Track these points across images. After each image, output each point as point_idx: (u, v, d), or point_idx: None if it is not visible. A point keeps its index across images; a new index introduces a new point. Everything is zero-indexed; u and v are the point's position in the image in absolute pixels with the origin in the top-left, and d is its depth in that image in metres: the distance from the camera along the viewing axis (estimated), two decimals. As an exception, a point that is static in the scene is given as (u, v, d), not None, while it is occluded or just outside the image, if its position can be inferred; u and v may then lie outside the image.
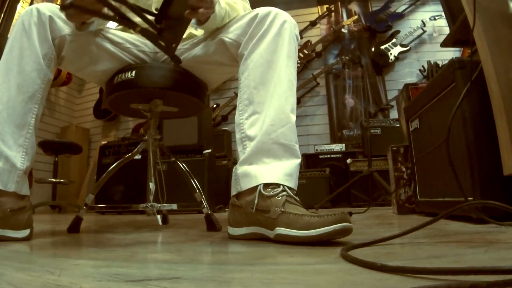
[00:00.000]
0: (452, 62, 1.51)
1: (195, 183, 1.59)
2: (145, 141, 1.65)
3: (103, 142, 4.66)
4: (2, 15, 4.45)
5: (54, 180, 4.38)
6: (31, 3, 4.77)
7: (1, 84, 1.20)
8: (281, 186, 1.08)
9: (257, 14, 1.27)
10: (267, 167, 1.13)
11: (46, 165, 4.89)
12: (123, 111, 1.76)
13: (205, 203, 1.50)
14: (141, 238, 1.26)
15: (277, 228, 1.00)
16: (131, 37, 1.52)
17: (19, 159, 1.17)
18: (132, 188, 3.70)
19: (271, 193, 1.07)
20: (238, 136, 1.22)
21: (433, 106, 1.77)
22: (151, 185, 1.57)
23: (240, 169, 1.17)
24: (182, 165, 1.63)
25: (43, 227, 1.81)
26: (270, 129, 1.15)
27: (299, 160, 1.18)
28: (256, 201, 1.08)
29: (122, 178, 3.52)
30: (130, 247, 1.02)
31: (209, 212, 1.46)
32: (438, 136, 1.66)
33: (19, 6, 4.64)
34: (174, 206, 1.61)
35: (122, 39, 1.48)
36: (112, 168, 1.61)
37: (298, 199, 1.08)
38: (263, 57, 1.22)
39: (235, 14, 1.40)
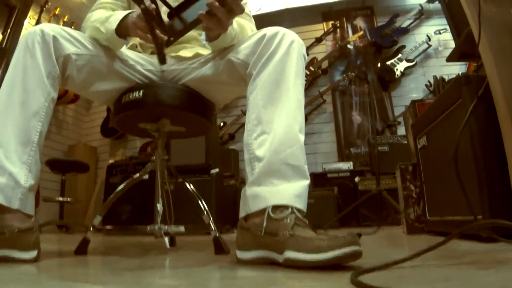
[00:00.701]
0: (458, 78, 1.50)
1: (202, 204, 1.58)
2: (152, 161, 1.64)
3: (111, 161, 4.67)
4: (9, 30, 4.52)
5: (61, 199, 4.38)
6: (38, 18, 4.84)
7: (5, 101, 1.21)
8: (290, 208, 1.07)
9: (265, 34, 1.28)
10: (276, 188, 1.12)
11: (54, 184, 4.89)
12: (131, 130, 1.76)
13: (213, 226, 1.49)
14: (148, 261, 1.25)
15: (286, 251, 0.98)
16: (137, 55, 1.54)
17: (23, 176, 1.16)
18: (139, 207, 3.69)
19: (280, 216, 1.06)
20: (246, 156, 1.21)
21: (440, 123, 1.77)
22: (159, 206, 1.57)
23: (249, 190, 1.16)
24: (190, 187, 1.63)
25: (51, 248, 1.81)
26: (279, 149, 1.14)
27: (308, 181, 1.17)
28: (264, 224, 1.06)
29: (129, 197, 3.51)
30: (138, 271, 1.02)
31: (217, 235, 1.45)
32: (446, 153, 1.65)
33: (26, 21, 4.71)
34: (182, 229, 1.59)
35: (128, 57, 1.49)
36: (120, 189, 1.61)
37: (307, 222, 1.07)
38: (272, 77, 1.22)
39: (244, 34, 1.42)
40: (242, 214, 1.18)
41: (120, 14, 1.37)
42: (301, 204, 1.11)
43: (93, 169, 5.54)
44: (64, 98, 5.11)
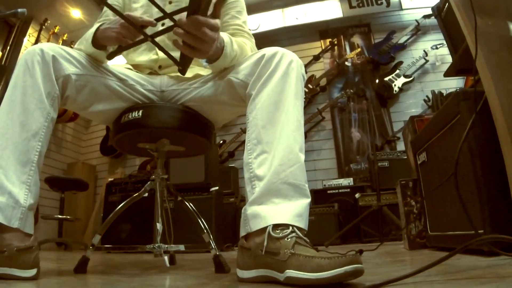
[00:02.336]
0: (456, 94, 1.51)
1: (202, 223, 1.57)
2: (152, 180, 1.64)
3: (110, 179, 4.66)
4: (8, 48, 4.55)
5: (60, 216, 4.36)
6: (37, 36, 4.88)
7: (4, 121, 1.21)
8: (291, 227, 1.06)
9: (264, 55, 1.28)
10: (277, 207, 1.11)
11: (53, 201, 4.87)
12: (130, 150, 1.76)
13: (213, 244, 1.49)
14: (148, 280, 1.24)
15: (287, 270, 0.97)
16: (137, 75, 1.54)
17: (22, 195, 1.16)
18: (138, 226, 3.68)
19: (280, 235, 1.05)
20: (246, 175, 1.21)
21: (439, 139, 1.77)
22: (158, 226, 1.56)
23: (249, 209, 1.15)
24: (190, 205, 1.62)
25: (50, 266, 1.79)
26: (279, 169, 1.14)
27: (308, 200, 1.16)
28: (265, 243, 1.05)
29: (128, 216, 3.50)
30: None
31: (217, 253, 1.44)
32: (446, 169, 1.65)
33: (25, 39, 4.74)
34: (182, 247, 1.59)
35: (127, 76, 1.49)
36: (119, 208, 1.60)
37: (308, 240, 1.06)
38: (271, 97, 1.22)
39: (244, 54, 1.43)
40: (242, 233, 1.17)
41: (95, 26, 1.40)
42: (302, 223, 1.10)
43: (92, 187, 5.53)
44: (64, 116, 5.12)
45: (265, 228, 1.08)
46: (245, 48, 1.47)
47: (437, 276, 0.96)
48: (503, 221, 1.32)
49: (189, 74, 1.54)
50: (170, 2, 1.62)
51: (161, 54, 1.58)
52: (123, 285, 1.13)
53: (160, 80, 1.57)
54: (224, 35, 1.32)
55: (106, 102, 1.46)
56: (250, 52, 1.47)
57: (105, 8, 1.67)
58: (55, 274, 1.41)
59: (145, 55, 1.63)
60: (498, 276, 0.89)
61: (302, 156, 1.19)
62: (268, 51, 1.29)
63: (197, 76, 1.54)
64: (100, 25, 1.37)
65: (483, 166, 1.39)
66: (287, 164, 1.15)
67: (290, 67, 1.25)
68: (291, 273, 0.96)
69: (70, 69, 1.32)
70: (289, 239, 1.03)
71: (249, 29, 1.67)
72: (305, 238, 1.06)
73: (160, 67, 1.61)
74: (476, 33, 1.33)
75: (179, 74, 1.54)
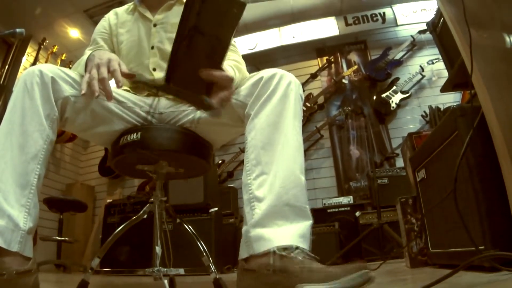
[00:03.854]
0: (453, 110, 1.52)
1: (202, 246, 1.56)
2: (151, 203, 1.63)
3: (109, 200, 4.65)
4: (7, 67, 4.57)
5: (59, 238, 4.34)
6: (36, 56, 4.90)
7: (3, 144, 1.19)
8: (295, 247, 1.07)
9: (262, 77, 1.29)
10: (280, 229, 1.11)
11: (51, 223, 4.84)
12: (129, 172, 1.75)
13: (212, 268, 1.47)
14: (148, 306, 1.22)
15: (299, 285, 0.97)
16: (135, 97, 1.54)
17: (22, 219, 1.14)
18: (137, 247, 3.63)
19: (287, 252, 1.05)
20: (245, 196, 1.20)
21: (438, 155, 1.77)
22: (158, 249, 1.54)
23: (252, 231, 1.14)
24: (189, 228, 1.61)
25: (49, 288, 1.77)
26: (281, 192, 1.14)
27: (310, 222, 1.17)
28: (272, 262, 1.05)
29: (127, 237, 3.46)
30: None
31: (217, 276, 1.43)
32: (446, 185, 1.64)
33: (24, 58, 4.77)
34: (181, 271, 1.57)
35: (126, 98, 1.49)
36: (118, 231, 1.59)
37: (313, 255, 1.07)
38: (270, 118, 1.23)
39: (243, 76, 1.43)
40: (243, 255, 1.15)
41: (86, 55, 1.38)
42: (306, 244, 1.10)
43: (90, 208, 5.50)
44: (62, 136, 5.13)
45: (269, 249, 1.07)
46: (242, 70, 1.47)
47: (440, 296, 0.95)
48: (503, 236, 1.32)
49: None
50: (154, 25, 1.64)
51: (156, 76, 1.60)
52: (122, 311, 1.12)
53: (158, 102, 1.57)
54: (228, 68, 1.32)
55: (104, 124, 1.45)
56: (245, 71, 1.48)
57: (94, 36, 1.71)
58: (55, 298, 1.40)
59: (141, 77, 1.63)
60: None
61: (303, 178, 1.20)
62: (266, 73, 1.30)
63: None
64: (94, 51, 1.38)
65: (482, 182, 1.39)
66: (288, 186, 1.15)
67: (289, 88, 1.26)
68: (306, 285, 0.96)
69: (69, 91, 1.31)
70: (295, 255, 1.04)
71: (234, 41, 1.67)
72: (309, 253, 1.08)
73: (157, 89, 1.60)
74: (471, 47, 1.33)
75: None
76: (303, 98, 1.33)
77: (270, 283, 1.05)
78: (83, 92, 1.23)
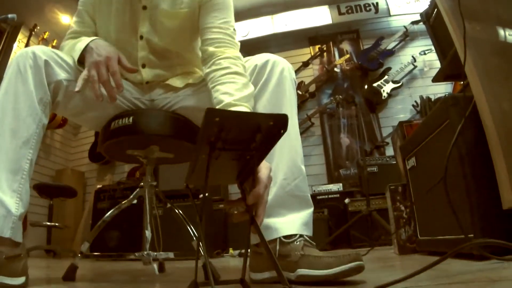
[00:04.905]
0: (445, 99, 1.52)
1: (191, 230, 1.56)
2: (141, 187, 1.63)
3: (98, 186, 4.63)
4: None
5: (49, 223, 4.34)
6: (27, 42, 4.85)
7: None
8: (298, 235, 1.17)
9: (256, 65, 1.29)
10: (285, 218, 1.20)
11: (41, 208, 4.81)
12: (119, 157, 1.75)
13: (202, 252, 1.47)
14: (137, 289, 1.22)
15: (298, 269, 1.09)
16: (127, 83, 1.51)
17: (14, 204, 1.13)
18: (127, 233, 3.64)
19: (290, 240, 1.16)
20: None
21: (428, 144, 1.78)
22: (147, 233, 1.54)
23: None
24: (179, 212, 1.61)
25: (38, 274, 1.77)
26: (284, 183, 1.21)
27: (312, 208, 1.26)
28: (277, 248, 1.15)
29: (117, 223, 3.45)
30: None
31: (206, 261, 1.43)
32: (436, 173, 1.65)
33: (15, 45, 4.70)
34: (171, 255, 1.58)
35: None
36: (108, 215, 1.59)
37: (313, 243, 1.17)
38: (267, 109, 1.23)
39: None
40: (254, 241, 1.23)
41: (84, 42, 1.33)
42: (308, 231, 1.21)
43: (81, 194, 5.49)
44: (53, 122, 5.09)
45: (275, 238, 1.18)
46: (248, 84, 1.28)
47: (428, 281, 0.96)
48: (492, 225, 1.33)
49: (179, 84, 1.52)
50: (144, 8, 1.46)
51: (145, 74, 1.52)
52: (112, 293, 1.12)
53: (150, 90, 1.55)
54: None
55: (96, 108, 1.43)
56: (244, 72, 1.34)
57: (80, 7, 1.53)
58: (44, 282, 1.39)
59: (129, 74, 1.54)
60: (489, 280, 0.89)
61: (303, 167, 1.26)
62: (258, 60, 1.30)
63: (188, 85, 1.52)
64: (92, 41, 1.32)
65: (472, 171, 1.40)
66: (291, 178, 1.22)
67: (282, 75, 1.27)
68: (303, 271, 1.08)
69: (62, 74, 1.29)
70: (298, 243, 1.15)
71: (234, 29, 1.47)
72: (311, 241, 1.17)
73: (147, 83, 1.55)
74: (465, 38, 1.34)
75: (169, 83, 1.52)
76: (297, 83, 1.34)
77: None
78: (77, 89, 1.22)
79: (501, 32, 1.45)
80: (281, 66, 1.28)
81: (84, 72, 1.25)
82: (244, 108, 1.15)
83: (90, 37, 1.36)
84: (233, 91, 1.19)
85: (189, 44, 1.55)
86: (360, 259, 1.03)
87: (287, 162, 1.22)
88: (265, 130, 0.79)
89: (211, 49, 1.36)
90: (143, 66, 1.51)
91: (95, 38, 1.34)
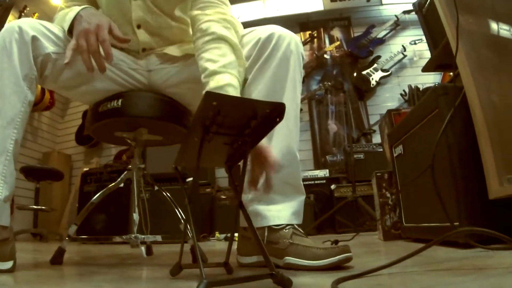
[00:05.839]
0: (435, 88, 1.53)
1: (179, 213, 1.56)
2: (129, 170, 1.62)
3: (85, 169, 4.59)
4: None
5: (35, 207, 4.31)
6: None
7: None
8: (287, 224, 1.17)
9: (259, 38, 1.21)
10: (276, 207, 1.19)
11: (28, 192, 4.77)
12: (107, 139, 1.73)
13: (190, 235, 1.47)
14: (126, 272, 1.22)
15: (286, 257, 1.10)
16: (122, 54, 1.45)
17: None
18: (114, 216, 3.62)
19: (279, 227, 1.16)
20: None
21: (416, 132, 1.79)
22: (135, 216, 1.54)
23: (250, 207, 1.19)
24: (167, 195, 1.61)
25: (26, 257, 1.76)
26: (278, 169, 1.12)
27: (304, 196, 1.26)
28: (266, 235, 1.16)
29: (103, 206, 3.45)
30: (115, 282, 0.99)
31: (194, 244, 1.43)
32: (423, 162, 1.67)
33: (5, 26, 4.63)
34: (159, 238, 1.58)
35: (113, 55, 1.35)
36: (95, 198, 1.58)
37: (302, 231, 1.17)
38: (269, 88, 1.18)
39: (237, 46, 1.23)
40: (242, 224, 1.23)
41: (74, 11, 1.24)
42: (298, 220, 1.22)
43: (67, 177, 5.45)
44: (40, 104, 5.02)
45: (264, 226, 1.17)
46: (239, 32, 1.27)
47: (414, 267, 0.97)
48: (478, 214, 1.36)
49: (177, 52, 1.44)
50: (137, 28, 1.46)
51: (141, 37, 1.45)
52: (100, 276, 1.12)
53: (146, 59, 1.49)
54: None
55: (87, 83, 1.37)
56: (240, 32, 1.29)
57: None
58: (32, 266, 1.39)
59: (124, 35, 1.52)
60: (475, 267, 0.91)
61: (298, 155, 1.23)
62: (262, 33, 1.22)
63: (186, 55, 1.43)
64: (82, 9, 1.24)
65: (460, 159, 1.41)
66: (285, 165, 1.18)
67: (288, 50, 1.19)
68: (290, 259, 1.09)
69: (50, 47, 1.23)
70: (287, 230, 1.15)
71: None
72: (300, 230, 1.17)
73: (144, 50, 1.49)
74: (458, 29, 1.35)
75: (166, 51, 1.45)
76: (304, 57, 1.26)
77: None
78: (66, 61, 1.16)
79: (494, 25, 1.46)
80: (288, 40, 1.20)
81: (72, 42, 1.18)
82: (228, 76, 1.09)
83: (84, 5, 1.29)
84: (217, 57, 1.13)
85: (185, 6, 1.45)
86: (349, 250, 1.05)
87: (282, 148, 1.17)
88: (261, 117, 0.78)
89: (195, 12, 1.27)
90: (138, 27, 1.44)
91: (86, 7, 1.26)
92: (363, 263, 1.18)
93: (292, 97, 1.20)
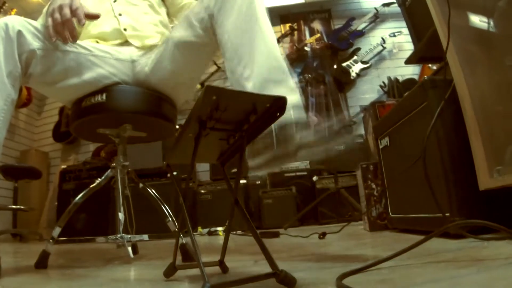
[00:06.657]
0: (424, 81, 1.53)
1: (166, 210, 1.52)
2: (113, 168, 1.57)
3: (63, 167, 4.51)
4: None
5: (14, 207, 4.21)
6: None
7: None
8: None
9: None
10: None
11: (6, 191, 4.68)
12: (89, 136, 1.68)
13: (180, 233, 1.44)
14: (114, 274, 1.19)
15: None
16: (105, 47, 1.46)
17: None
18: (94, 214, 3.56)
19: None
20: (233, 79, 1.20)
21: (403, 125, 1.79)
22: (121, 215, 1.50)
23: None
24: (152, 192, 1.56)
25: (8, 261, 1.70)
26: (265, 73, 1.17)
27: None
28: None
29: (84, 204, 3.39)
30: (105, 286, 0.96)
31: (183, 241, 1.40)
32: (410, 154, 1.67)
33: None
34: (145, 237, 1.54)
35: (96, 48, 1.41)
36: (79, 198, 1.53)
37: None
38: (242, 10, 1.20)
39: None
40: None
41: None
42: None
43: (45, 175, 5.32)
44: (17, 101, 4.88)
45: None
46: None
47: (410, 260, 0.96)
48: (468, 204, 1.36)
49: (156, 40, 1.53)
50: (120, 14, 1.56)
51: (122, 20, 1.54)
52: (88, 280, 1.08)
53: (129, 50, 1.51)
54: None
55: (72, 76, 1.35)
56: None
57: None
58: (16, 271, 1.33)
59: (106, 23, 1.54)
60: (473, 259, 0.90)
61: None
62: None
63: (165, 40, 1.48)
64: None
65: (450, 152, 1.42)
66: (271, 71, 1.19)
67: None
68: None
69: (34, 43, 1.22)
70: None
71: None
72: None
73: (125, 29, 1.54)
74: (449, 23, 1.35)
75: (146, 43, 1.53)
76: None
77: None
78: (53, 39, 1.19)
79: (484, 19, 1.46)
80: None
81: (49, 20, 1.21)
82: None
83: None
84: None
85: None
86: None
87: (266, 58, 1.19)
88: (261, 111, 0.76)
89: None
90: (120, 14, 1.53)
91: None
92: (360, 256, 1.17)
93: (266, 20, 1.23)
